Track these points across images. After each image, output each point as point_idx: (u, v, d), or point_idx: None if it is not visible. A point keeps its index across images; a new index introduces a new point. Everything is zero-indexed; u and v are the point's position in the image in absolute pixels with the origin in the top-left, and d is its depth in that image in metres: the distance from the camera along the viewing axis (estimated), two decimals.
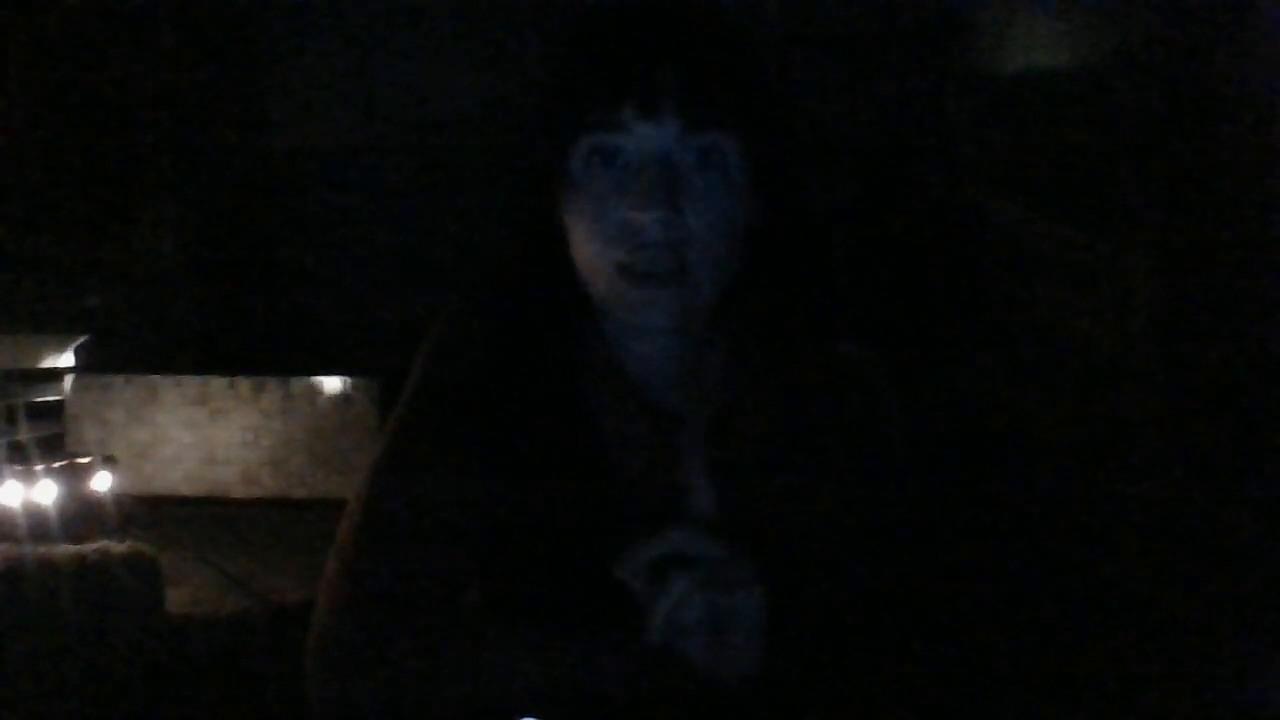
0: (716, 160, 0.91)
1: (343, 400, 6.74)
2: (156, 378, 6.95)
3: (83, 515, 4.92)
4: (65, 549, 3.78)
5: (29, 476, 4.88)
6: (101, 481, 5.20)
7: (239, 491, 6.75)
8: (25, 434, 6.22)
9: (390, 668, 0.87)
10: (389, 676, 0.87)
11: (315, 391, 6.78)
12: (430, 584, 0.90)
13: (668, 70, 0.90)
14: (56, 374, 7.06)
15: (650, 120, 0.89)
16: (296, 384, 6.80)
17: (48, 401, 6.91)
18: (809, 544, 0.95)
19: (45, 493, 4.80)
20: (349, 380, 6.74)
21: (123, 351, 7.21)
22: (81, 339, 7.16)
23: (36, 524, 4.60)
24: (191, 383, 6.89)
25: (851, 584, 0.95)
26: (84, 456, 5.51)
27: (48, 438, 6.43)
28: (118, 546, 3.83)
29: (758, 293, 0.99)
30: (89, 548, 3.78)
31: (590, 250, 0.92)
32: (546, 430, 0.95)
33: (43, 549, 3.81)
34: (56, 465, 5.17)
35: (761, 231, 0.96)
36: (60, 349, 7.11)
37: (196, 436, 6.85)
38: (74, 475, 5.12)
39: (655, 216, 0.89)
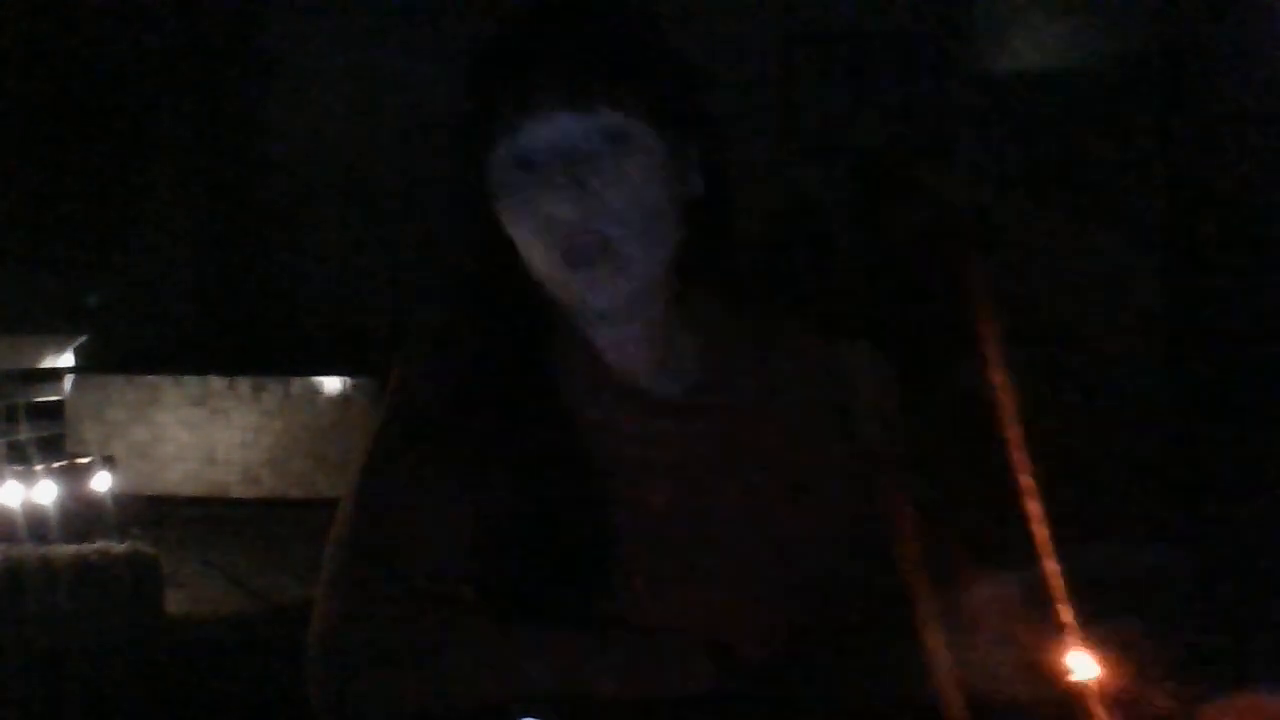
0: (626, 140, 0.94)
1: (343, 400, 6.73)
2: (156, 378, 6.95)
3: (83, 515, 4.90)
4: (65, 549, 3.78)
5: (29, 476, 4.88)
6: (101, 481, 5.19)
7: (239, 491, 6.74)
8: (25, 434, 6.21)
9: (389, 668, 0.88)
10: (388, 677, 0.88)
11: (315, 391, 6.78)
12: (424, 583, 0.90)
13: (546, 64, 0.93)
14: (56, 374, 7.05)
15: (539, 113, 0.93)
16: (296, 384, 6.80)
17: (48, 401, 6.90)
18: (782, 525, 0.95)
19: (45, 493, 4.79)
20: (349, 380, 6.73)
21: (123, 351, 7.21)
22: (81, 339, 7.16)
23: (36, 524, 4.58)
24: (191, 383, 6.89)
25: (829, 570, 0.96)
26: (84, 456, 5.50)
27: (48, 438, 6.42)
28: (118, 546, 3.83)
29: (714, 269, 1.01)
30: (89, 548, 3.77)
31: (529, 249, 0.96)
32: (526, 422, 0.96)
33: (43, 549, 3.80)
34: (56, 465, 5.17)
35: (703, 207, 0.98)
36: (60, 349, 7.11)
37: (196, 436, 6.84)
38: (74, 475, 5.11)
39: (568, 202, 0.92)
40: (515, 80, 0.94)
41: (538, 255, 0.95)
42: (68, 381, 7.02)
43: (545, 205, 0.93)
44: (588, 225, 0.92)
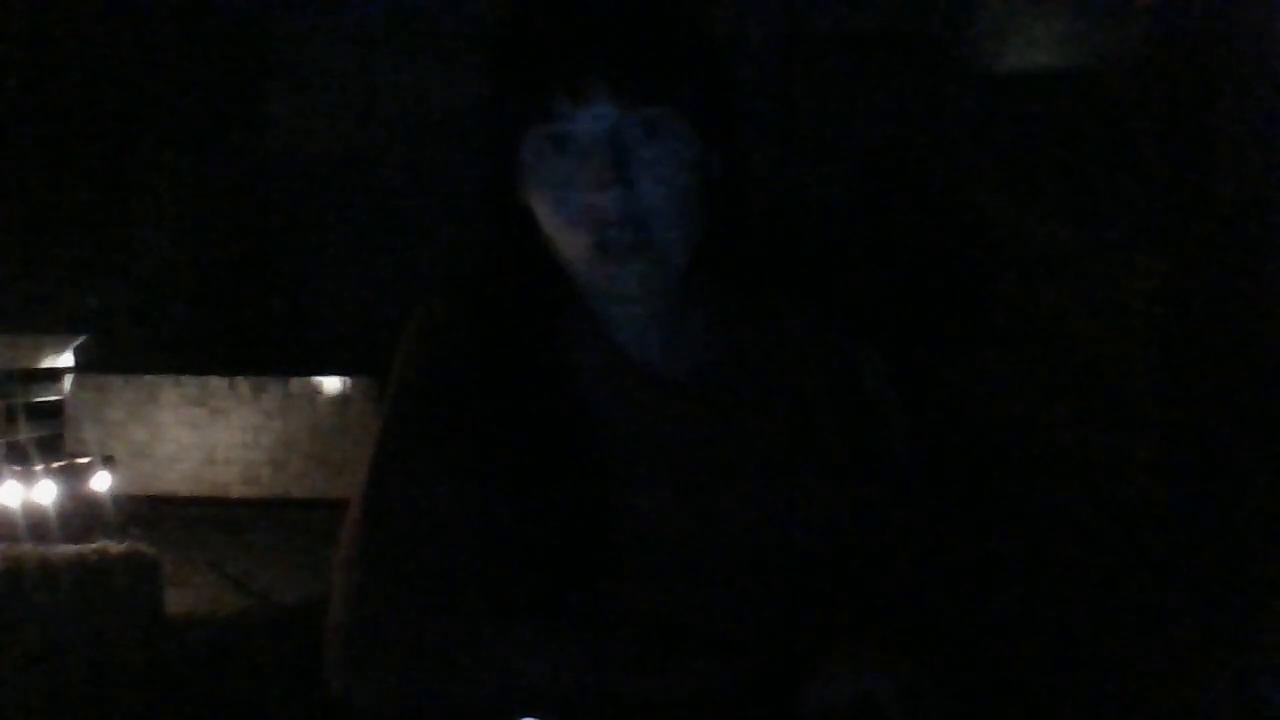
0: (663, 130, 0.93)
1: (343, 400, 6.74)
2: (156, 378, 6.95)
3: (82, 515, 4.91)
4: (65, 549, 3.78)
5: (29, 476, 4.88)
6: (101, 481, 5.19)
7: (239, 491, 6.74)
8: (25, 434, 6.22)
9: (391, 669, 0.88)
10: (390, 677, 0.88)
11: (315, 391, 6.78)
12: (433, 582, 0.90)
13: (595, 53, 0.92)
14: (56, 374, 7.05)
15: (587, 104, 0.91)
16: (296, 384, 6.80)
17: (48, 401, 6.90)
18: (782, 518, 0.95)
19: (45, 493, 4.80)
20: (349, 380, 6.73)
21: (123, 351, 7.21)
22: (81, 339, 7.16)
23: (36, 524, 4.59)
24: (191, 383, 6.89)
25: (828, 565, 0.96)
26: (84, 456, 5.50)
27: (48, 438, 6.42)
28: (118, 546, 3.83)
29: (726, 251, 1.01)
30: (89, 548, 3.77)
31: (557, 233, 0.95)
32: (537, 402, 0.95)
33: (43, 549, 3.80)
34: (56, 465, 5.17)
35: (720, 190, 0.98)
36: (60, 349, 7.11)
37: (196, 436, 6.85)
38: (73, 475, 5.12)
39: (612, 196, 0.91)
40: (562, 67, 0.92)
41: (568, 239, 0.94)
42: (68, 381, 7.02)
43: (587, 196, 0.92)
44: (630, 219, 0.92)
